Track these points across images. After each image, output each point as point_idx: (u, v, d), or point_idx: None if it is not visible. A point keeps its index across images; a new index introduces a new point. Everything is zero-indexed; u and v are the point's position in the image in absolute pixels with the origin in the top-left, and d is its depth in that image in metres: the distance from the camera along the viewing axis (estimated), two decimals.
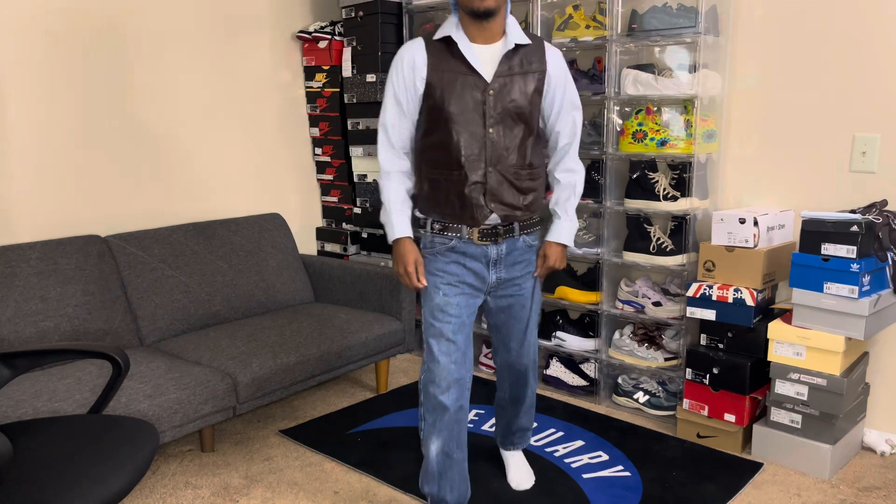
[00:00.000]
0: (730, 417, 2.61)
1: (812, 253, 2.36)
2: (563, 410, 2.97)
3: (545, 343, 3.18)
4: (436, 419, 2.04)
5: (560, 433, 2.76)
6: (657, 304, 2.88)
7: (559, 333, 3.15)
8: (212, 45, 3.33)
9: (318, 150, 3.82)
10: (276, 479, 2.47)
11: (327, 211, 3.90)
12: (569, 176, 2.12)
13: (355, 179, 3.69)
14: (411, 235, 2.02)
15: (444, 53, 1.95)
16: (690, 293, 2.65)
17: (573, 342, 3.13)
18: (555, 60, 2.02)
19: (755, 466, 2.50)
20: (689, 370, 2.69)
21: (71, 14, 2.85)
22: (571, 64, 3.01)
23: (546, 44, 2.03)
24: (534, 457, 2.58)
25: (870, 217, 2.30)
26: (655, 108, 2.77)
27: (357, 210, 3.71)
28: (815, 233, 2.35)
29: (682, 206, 2.75)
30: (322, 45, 3.63)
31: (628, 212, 2.89)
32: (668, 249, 2.81)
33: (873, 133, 2.53)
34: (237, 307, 3.08)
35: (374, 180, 3.60)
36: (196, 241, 3.08)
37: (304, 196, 3.86)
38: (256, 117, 3.57)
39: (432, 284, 2.05)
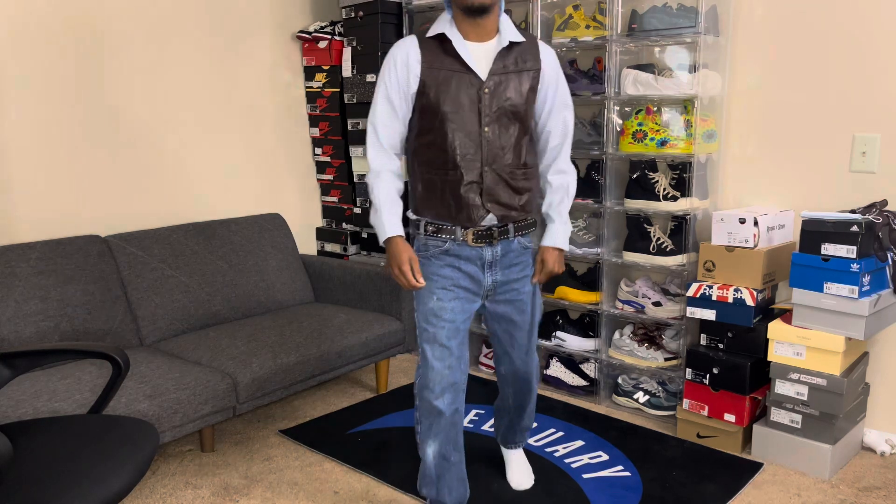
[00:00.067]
0: (730, 417, 2.61)
1: (812, 253, 2.36)
2: (563, 410, 2.97)
3: (545, 343, 3.18)
4: (431, 423, 2.02)
5: (560, 433, 2.76)
6: (657, 304, 2.88)
7: (559, 333, 3.15)
8: (212, 45, 3.33)
9: (318, 150, 3.82)
10: (276, 479, 2.47)
11: (327, 211, 3.90)
12: (561, 178, 2.09)
13: (355, 179, 3.70)
14: (403, 234, 1.97)
15: (438, 51, 1.91)
16: (690, 293, 2.65)
17: (573, 342, 3.13)
18: (549, 59, 2.00)
19: (755, 466, 2.50)
20: (689, 370, 2.69)
21: (71, 13, 2.85)
22: (571, 64, 3.02)
23: (540, 42, 2.01)
24: (534, 457, 2.58)
25: (870, 217, 2.30)
26: (655, 108, 2.77)
27: (357, 210, 3.71)
28: (815, 233, 2.35)
29: (682, 206, 2.75)
30: (322, 45, 3.63)
31: (628, 212, 2.89)
32: (668, 249, 2.81)
33: (873, 133, 2.53)
34: (237, 307, 3.08)
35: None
36: (196, 241, 3.08)
37: (304, 196, 3.86)
38: (256, 117, 3.57)
39: (426, 289, 2.00)
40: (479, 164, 1.93)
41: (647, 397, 2.92)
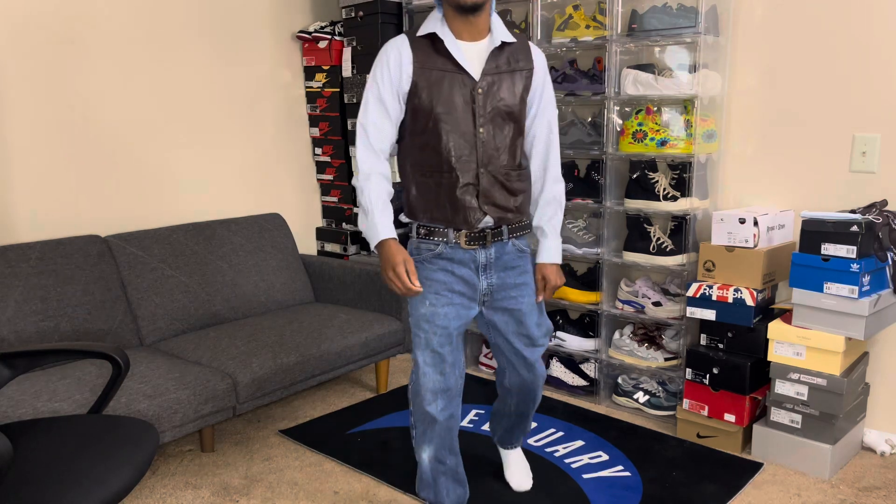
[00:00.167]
0: (730, 417, 2.61)
1: (812, 253, 2.36)
2: (563, 410, 2.97)
3: None
4: (425, 429, 2.00)
5: (560, 433, 2.76)
6: (657, 304, 2.88)
7: (559, 333, 3.15)
8: (212, 44, 3.33)
9: (318, 150, 3.82)
10: (276, 479, 2.47)
11: (327, 211, 3.90)
12: (556, 188, 2.04)
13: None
14: (396, 237, 1.90)
15: (430, 50, 1.86)
16: (690, 293, 2.65)
17: (573, 342, 3.13)
18: (539, 60, 1.98)
19: (755, 466, 2.50)
20: (689, 370, 2.69)
21: (72, 13, 2.85)
22: (571, 64, 3.01)
23: (530, 43, 1.98)
24: (534, 457, 2.58)
25: (870, 217, 2.30)
26: (655, 108, 2.77)
27: (357, 210, 3.71)
28: (815, 233, 2.35)
29: (682, 206, 2.75)
30: (322, 45, 3.63)
31: (628, 212, 2.89)
32: (668, 249, 2.81)
33: (873, 133, 2.53)
34: (237, 307, 3.08)
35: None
36: (196, 241, 3.08)
37: (304, 196, 3.86)
38: (256, 117, 3.57)
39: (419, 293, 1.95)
40: (475, 166, 1.89)
41: (647, 397, 2.92)
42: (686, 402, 2.71)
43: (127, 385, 2.30)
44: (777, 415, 2.51)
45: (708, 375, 2.64)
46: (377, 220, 1.88)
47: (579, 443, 2.68)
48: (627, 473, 2.46)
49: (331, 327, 2.88)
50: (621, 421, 2.87)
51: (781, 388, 2.48)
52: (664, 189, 2.78)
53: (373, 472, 2.49)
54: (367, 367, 3.49)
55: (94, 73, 2.95)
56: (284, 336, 2.77)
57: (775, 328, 2.47)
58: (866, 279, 2.30)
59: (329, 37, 3.60)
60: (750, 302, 2.53)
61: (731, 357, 2.59)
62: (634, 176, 2.84)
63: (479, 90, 1.87)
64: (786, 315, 2.57)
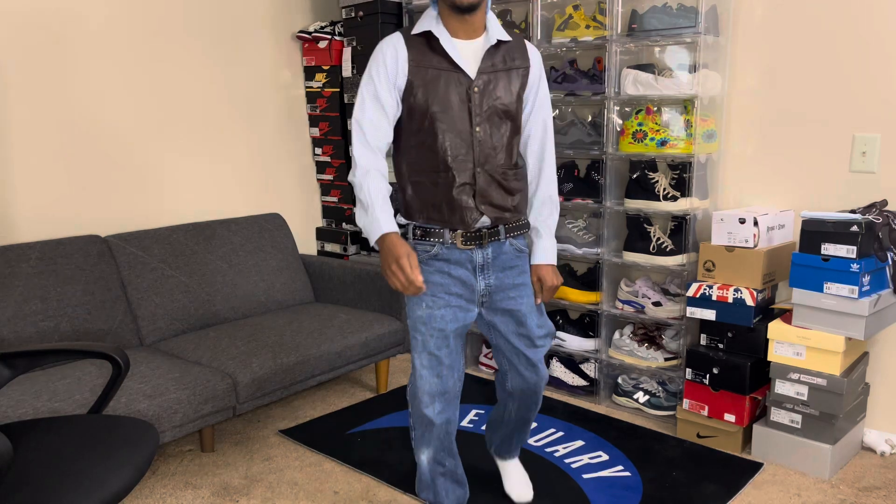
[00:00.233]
0: (730, 417, 2.61)
1: (812, 253, 2.36)
2: (563, 410, 2.97)
3: None
4: (423, 431, 1.99)
5: (560, 433, 2.76)
6: (657, 304, 2.88)
7: (559, 333, 3.15)
8: (212, 44, 3.33)
9: (318, 150, 3.82)
10: (276, 479, 2.47)
11: (327, 211, 3.90)
12: (550, 189, 2.02)
13: None
14: (398, 231, 1.83)
15: (425, 49, 1.84)
16: (690, 293, 2.65)
17: (573, 342, 3.13)
18: (535, 59, 1.96)
19: (755, 466, 2.50)
20: (689, 370, 2.69)
21: (72, 13, 2.85)
22: (571, 64, 3.01)
23: (526, 41, 1.97)
24: (534, 457, 2.58)
25: (870, 217, 2.30)
26: (655, 108, 2.77)
27: (356, 210, 3.71)
28: (815, 233, 2.35)
29: (682, 206, 2.75)
30: (322, 45, 3.63)
31: (628, 212, 2.89)
32: (668, 249, 2.81)
33: (873, 133, 2.53)
34: (237, 307, 3.08)
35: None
36: (196, 241, 3.08)
37: (304, 196, 3.86)
38: (256, 117, 3.57)
39: (416, 296, 1.92)
40: (472, 165, 1.87)
41: (647, 397, 2.92)
42: (686, 402, 2.71)
43: (127, 385, 2.30)
44: (777, 415, 2.51)
45: (708, 375, 2.64)
46: (378, 214, 1.82)
47: (579, 443, 2.68)
48: (627, 473, 2.46)
49: (331, 327, 2.88)
50: (621, 421, 2.87)
51: (781, 388, 2.48)
52: (664, 189, 2.78)
53: (373, 472, 2.49)
54: (367, 367, 3.49)
55: (94, 73, 2.95)
56: (284, 336, 2.77)
57: (775, 328, 2.47)
58: (866, 279, 2.30)
59: (329, 37, 3.60)
60: (750, 302, 2.53)
61: (731, 357, 2.59)
62: (634, 176, 2.84)
63: (475, 89, 1.85)
64: (786, 315, 2.57)
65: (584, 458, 2.56)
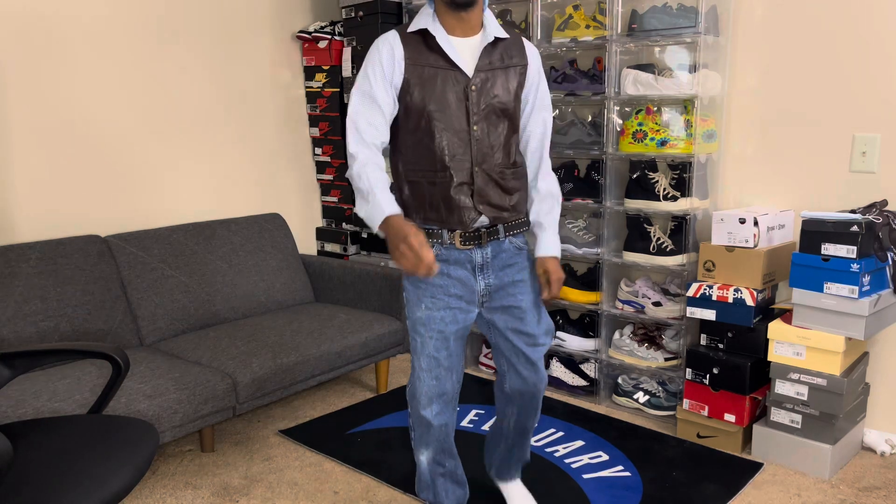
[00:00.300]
0: (730, 417, 2.61)
1: (812, 253, 2.36)
2: (563, 410, 2.97)
3: None
4: (422, 432, 1.99)
5: (560, 433, 2.76)
6: (657, 304, 2.88)
7: (559, 333, 3.15)
8: (212, 44, 3.33)
9: (318, 150, 3.82)
10: (276, 479, 2.47)
11: (327, 211, 3.90)
12: (549, 183, 2.00)
13: None
14: (402, 214, 1.76)
15: (421, 47, 1.81)
16: (690, 293, 2.65)
17: (573, 342, 3.13)
18: (533, 56, 1.93)
19: (755, 466, 2.50)
20: (689, 370, 2.69)
21: (72, 12, 2.85)
22: (571, 64, 3.01)
23: (524, 39, 1.94)
24: (534, 457, 2.58)
25: (870, 217, 2.30)
26: (655, 108, 2.77)
27: (356, 209, 3.71)
28: (815, 233, 2.35)
29: (682, 206, 2.75)
30: (322, 45, 3.63)
31: (628, 212, 2.89)
32: (668, 249, 2.81)
33: (873, 133, 2.53)
34: (237, 307, 3.08)
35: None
36: (196, 241, 3.08)
37: (304, 196, 3.86)
38: (256, 117, 3.57)
39: (415, 297, 1.91)
40: (469, 165, 1.84)
41: (647, 397, 2.92)
42: (686, 402, 2.71)
43: (127, 385, 2.30)
44: (777, 415, 2.51)
45: (708, 375, 2.64)
46: (379, 198, 1.75)
47: (579, 443, 2.68)
48: (627, 473, 2.46)
49: (331, 327, 2.88)
50: (621, 421, 2.87)
51: (781, 388, 2.48)
52: (664, 189, 2.78)
53: (373, 472, 2.49)
54: (366, 367, 3.49)
55: (94, 73, 2.95)
56: (284, 336, 2.77)
57: (775, 328, 2.46)
58: (866, 279, 2.30)
59: (329, 37, 3.60)
60: (750, 302, 2.52)
61: (731, 357, 2.59)
62: (634, 176, 2.84)
63: (473, 87, 1.82)
64: (786, 315, 2.57)
65: (584, 458, 2.56)
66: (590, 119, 3.05)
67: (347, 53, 3.55)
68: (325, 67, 3.65)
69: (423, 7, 1.86)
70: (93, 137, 2.97)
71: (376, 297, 3.16)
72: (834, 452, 2.42)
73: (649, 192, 2.80)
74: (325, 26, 3.65)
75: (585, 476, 2.45)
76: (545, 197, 2.00)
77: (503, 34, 1.87)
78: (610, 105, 2.86)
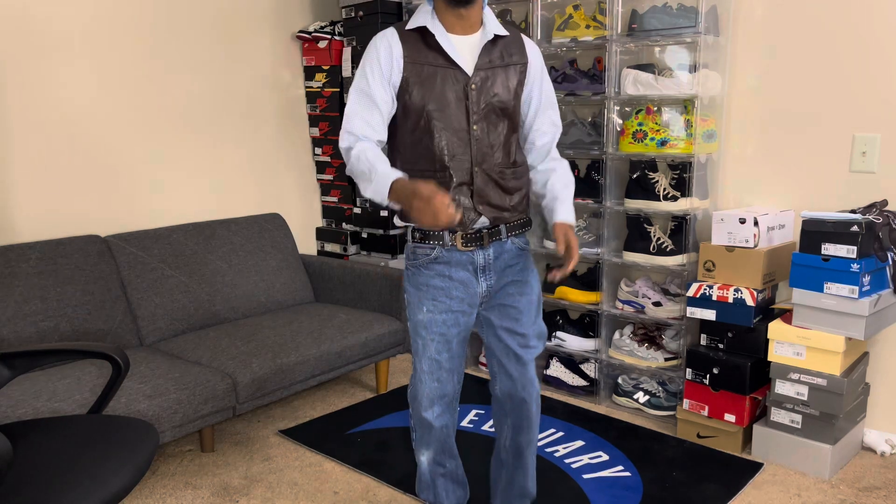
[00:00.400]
0: (730, 417, 2.61)
1: (812, 253, 2.36)
2: (563, 410, 2.97)
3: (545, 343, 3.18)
4: (423, 433, 1.99)
5: (560, 433, 2.76)
6: (657, 304, 2.88)
7: (559, 333, 3.15)
8: (212, 44, 3.33)
9: (318, 150, 3.82)
10: (276, 479, 2.47)
11: (327, 211, 3.90)
12: (559, 164, 1.96)
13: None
14: (406, 176, 1.71)
15: (420, 45, 1.77)
16: (690, 293, 2.65)
17: (573, 342, 3.13)
18: (534, 54, 1.90)
19: (755, 466, 2.50)
20: (689, 370, 2.69)
21: (72, 12, 2.85)
22: (571, 64, 3.01)
23: (524, 36, 1.92)
24: None
25: (870, 217, 2.29)
26: (655, 108, 2.77)
27: (357, 210, 3.71)
28: (815, 233, 2.35)
29: (682, 206, 2.75)
30: (322, 45, 3.63)
31: (628, 212, 2.89)
32: (668, 249, 2.81)
33: (873, 133, 2.53)
34: (237, 307, 3.08)
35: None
36: (196, 241, 3.08)
37: (304, 196, 3.86)
38: (256, 117, 3.57)
39: (416, 299, 1.89)
40: (469, 165, 1.80)
41: (647, 397, 2.92)
42: (686, 402, 2.71)
43: (127, 385, 2.29)
44: (777, 415, 2.51)
45: (708, 375, 2.64)
46: (381, 170, 1.69)
47: (579, 443, 2.68)
48: (627, 473, 2.46)
49: (331, 327, 2.88)
50: (621, 421, 2.87)
51: (781, 388, 2.48)
52: (664, 189, 2.78)
53: (373, 472, 2.49)
54: (366, 367, 3.49)
55: (94, 73, 2.95)
56: (284, 336, 2.77)
57: (775, 328, 2.46)
58: (866, 279, 2.30)
59: (329, 37, 3.60)
60: (750, 302, 2.52)
61: (731, 357, 2.59)
62: (634, 176, 2.84)
63: (473, 86, 1.79)
64: (786, 315, 2.57)
65: (585, 459, 2.56)
66: (590, 119, 3.05)
67: (347, 53, 3.55)
68: (325, 67, 3.65)
69: (422, 4, 1.83)
70: (93, 137, 2.97)
71: (376, 297, 3.16)
72: (834, 452, 2.42)
73: (649, 192, 2.80)
74: (325, 26, 3.65)
75: (585, 476, 2.45)
76: (560, 176, 1.95)
77: (503, 31, 1.84)
78: (610, 105, 2.86)
